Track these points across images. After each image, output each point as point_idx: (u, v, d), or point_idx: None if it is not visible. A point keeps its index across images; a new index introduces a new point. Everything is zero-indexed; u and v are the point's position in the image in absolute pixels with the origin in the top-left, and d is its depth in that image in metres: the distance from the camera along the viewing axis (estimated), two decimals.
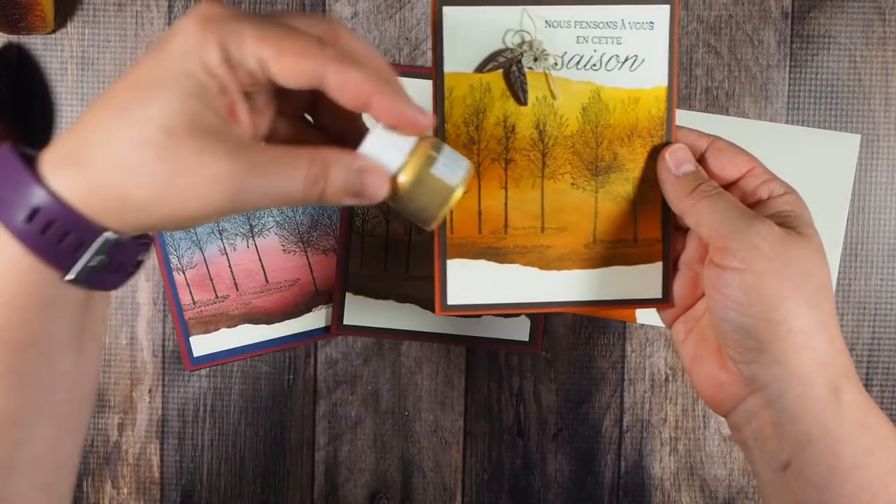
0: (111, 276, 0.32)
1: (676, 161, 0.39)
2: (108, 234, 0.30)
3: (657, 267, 0.41)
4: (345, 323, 0.55)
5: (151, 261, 0.55)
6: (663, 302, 0.42)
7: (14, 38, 0.55)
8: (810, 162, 0.55)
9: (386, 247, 0.55)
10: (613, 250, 0.41)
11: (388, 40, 0.55)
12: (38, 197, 0.29)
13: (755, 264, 0.34)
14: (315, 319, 0.56)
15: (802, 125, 0.55)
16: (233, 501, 0.57)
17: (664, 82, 0.40)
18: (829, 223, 0.55)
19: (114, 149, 0.29)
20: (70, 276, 0.30)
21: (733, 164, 0.39)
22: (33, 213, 0.29)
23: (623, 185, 0.40)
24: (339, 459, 0.56)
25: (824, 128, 0.55)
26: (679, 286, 0.41)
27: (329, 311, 0.56)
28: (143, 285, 0.56)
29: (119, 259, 0.31)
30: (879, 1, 0.55)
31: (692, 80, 0.55)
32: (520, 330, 0.56)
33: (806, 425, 0.34)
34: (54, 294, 0.30)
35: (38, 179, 0.29)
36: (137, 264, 0.33)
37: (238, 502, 0.57)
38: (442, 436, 0.56)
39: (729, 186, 0.39)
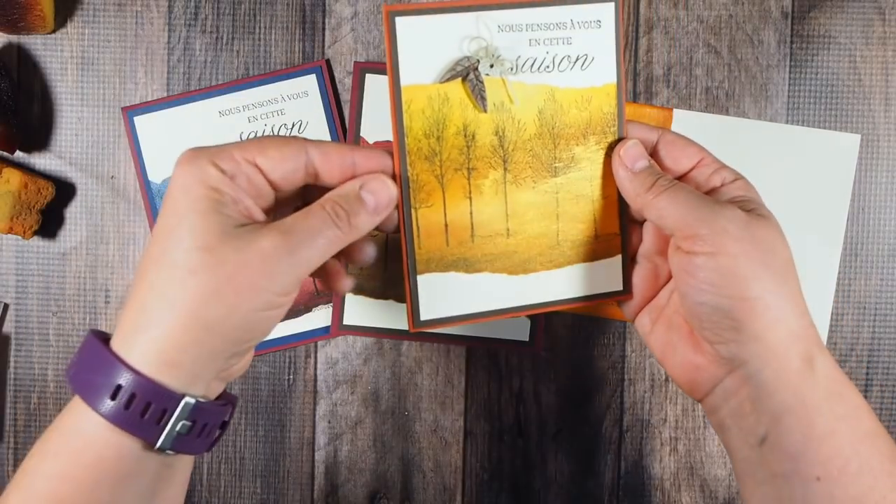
0: (198, 440, 0.33)
1: (630, 158, 0.39)
2: (188, 399, 0.32)
3: (617, 260, 0.42)
4: (345, 323, 0.55)
5: None
6: (624, 294, 0.42)
7: (14, 38, 0.55)
8: (810, 162, 0.55)
9: (386, 247, 0.55)
10: (576, 249, 0.41)
11: None
12: (119, 374, 0.31)
13: (727, 247, 0.35)
14: (315, 319, 0.56)
15: (802, 125, 0.55)
16: (233, 501, 0.57)
17: (614, 79, 0.40)
18: (829, 223, 0.55)
19: (166, 292, 0.31)
20: (159, 444, 0.32)
21: (685, 155, 0.40)
22: (116, 391, 0.31)
23: (581, 184, 0.41)
24: (339, 459, 0.56)
25: (824, 128, 0.55)
26: (639, 278, 0.42)
27: (329, 311, 0.56)
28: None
29: (203, 421, 0.33)
30: (879, 1, 0.55)
31: (692, 80, 0.55)
32: (520, 330, 0.56)
33: (782, 396, 0.35)
34: (130, 467, 0.32)
35: (117, 358, 0.31)
36: (223, 426, 0.35)
37: (238, 502, 0.57)
38: (442, 436, 0.56)
39: (682, 177, 0.40)
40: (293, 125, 0.55)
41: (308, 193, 0.38)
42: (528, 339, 0.56)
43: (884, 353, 0.56)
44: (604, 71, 0.40)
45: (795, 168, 0.55)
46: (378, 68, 0.55)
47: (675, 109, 0.55)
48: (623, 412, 0.56)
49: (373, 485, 0.57)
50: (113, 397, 0.31)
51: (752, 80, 0.55)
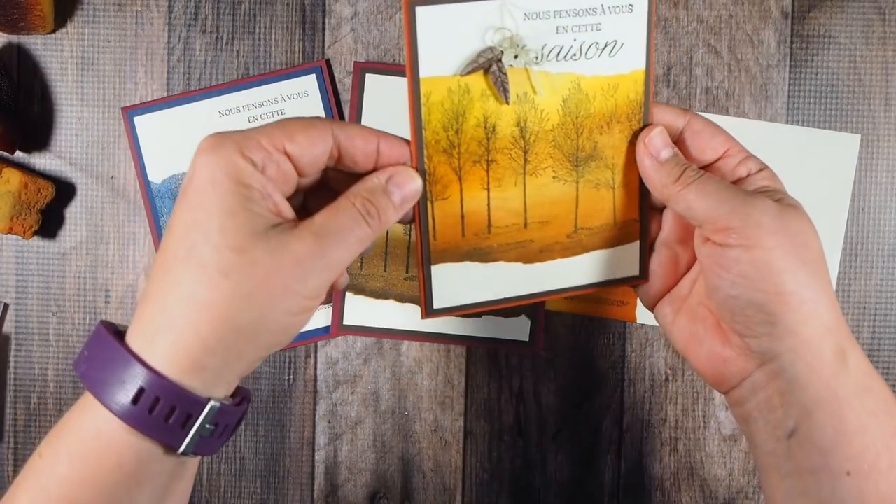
0: (217, 440, 0.33)
1: (655, 147, 0.38)
2: (213, 403, 0.31)
3: (634, 246, 0.41)
4: (345, 323, 0.55)
5: (154, 261, 0.56)
6: (640, 278, 0.41)
7: (14, 38, 0.55)
8: (810, 162, 0.55)
9: (386, 247, 0.55)
10: (594, 236, 0.41)
11: (388, 40, 0.55)
12: (141, 376, 0.29)
13: (763, 240, 0.34)
14: (315, 319, 0.56)
15: (802, 125, 0.55)
16: (233, 501, 0.57)
17: (642, 65, 0.39)
18: (829, 223, 0.55)
19: (195, 293, 0.30)
20: (182, 449, 0.31)
21: (711, 146, 0.39)
22: (139, 395, 0.29)
23: (603, 172, 0.40)
24: (339, 459, 0.56)
25: (824, 128, 0.55)
26: (658, 265, 0.41)
27: (329, 311, 0.56)
28: (144, 286, 0.56)
29: (224, 423, 0.32)
30: (879, 1, 0.55)
31: (692, 80, 0.55)
32: (520, 330, 0.56)
33: (815, 390, 0.34)
34: (149, 470, 0.31)
35: (138, 359, 0.30)
36: (237, 424, 0.34)
37: (238, 502, 0.57)
38: (442, 436, 0.56)
39: (707, 167, 0.39)
40: None
41: (324, 177, 0.37)
42: (528, 339, 0.56)
43: (884, 353, 0.56)
44: (632, 57, 0.38)
45: (795, 168, 0.55)
46: (378, 68, 0.55)
47: None
48: (623, 412, 0.56)
49: (373, 485, 0.57)
50: (135, 401, 0.29)
51: (752, 80, 0.55)
